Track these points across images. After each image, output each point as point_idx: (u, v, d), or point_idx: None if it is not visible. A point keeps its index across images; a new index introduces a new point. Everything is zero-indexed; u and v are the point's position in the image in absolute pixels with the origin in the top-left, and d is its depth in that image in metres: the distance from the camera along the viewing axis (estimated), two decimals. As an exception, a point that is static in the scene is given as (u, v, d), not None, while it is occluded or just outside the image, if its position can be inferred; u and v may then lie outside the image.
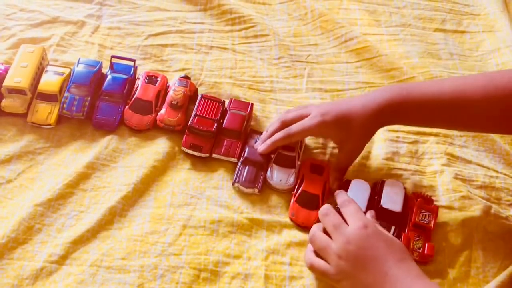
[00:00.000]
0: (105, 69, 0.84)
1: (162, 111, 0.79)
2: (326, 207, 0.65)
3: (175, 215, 0.70)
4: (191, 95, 0.82)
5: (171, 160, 0.76)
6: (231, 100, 0.82)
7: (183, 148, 0.77)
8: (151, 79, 0.82)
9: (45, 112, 0.78)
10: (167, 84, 0.83)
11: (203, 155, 0.76)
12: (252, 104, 0.82)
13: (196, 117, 0.78)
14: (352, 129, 0.71)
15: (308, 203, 0.72)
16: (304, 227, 0.70)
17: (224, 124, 0.79)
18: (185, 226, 0.69)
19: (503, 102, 0.66)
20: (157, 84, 0.81)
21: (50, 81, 0.79)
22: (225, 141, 0.77)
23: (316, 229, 0.65)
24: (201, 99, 0.81)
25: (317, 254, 0.63)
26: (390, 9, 1.05)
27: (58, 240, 0.66)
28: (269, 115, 0.85)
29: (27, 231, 0.66)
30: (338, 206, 0.66)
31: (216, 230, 0.69)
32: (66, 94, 0.79)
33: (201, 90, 0.86)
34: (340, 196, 0.68)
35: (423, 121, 0.74)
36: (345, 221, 0.62)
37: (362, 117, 0.70)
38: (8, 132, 0.77)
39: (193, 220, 0.70)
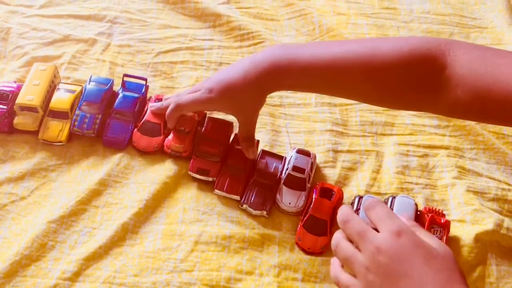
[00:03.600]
0: (117, 87, 0.85)
1: (170, 136, 0.78)
2: (345, 212, 0.53)
3: (186, 231, 0.70)
4: (200, 120, 0.81)
5: (182, 177, 0.77)
6: (236, 135, 0.80)
7: (190, 172, 0.76)
8: (160, 101, 0.81)
9: (56, 129, 0.78)
10: None
11: (210, 179, 0.75)
12: (258, 141, 0.79)
13: (203, 140, 0.77)
14: (238, 103, 0.71)
15: (316, 228, 0.71)
16: (311, 253, 0.70)
17: (228, 159, 0.77)
18: (197, 242, 0.69)
19: (379, 76, 0.63)
20: None
21: (61, 99, 0.80)
22: (229, 177, 0.75)
23: (339, 236, 0.54)
24: (208, 121, 0.80)
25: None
26: (398, 24, 1.06)
27: (71, 257, 0.66)
28: (279, 129, 0.85)
29: (40, 248, 0.67)
30: (364, 210, 0.55)
31: (227, 246, 0.69)
32: (77, 112, 0.80)
33: (211, 106, 0.87)
34: (366, 200, 0.61)
35: (306, 88, 0.72)
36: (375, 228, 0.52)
37: (245, 90, 0.69)
38: (21, 149, 0.78)
39: (205, 236, 0.70)
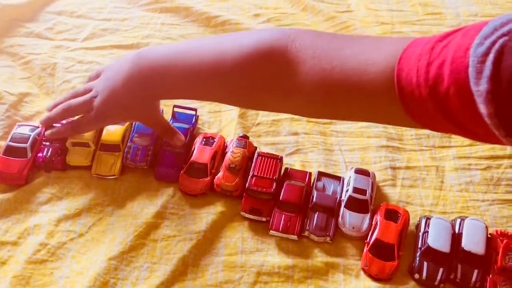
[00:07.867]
0: (165, 115, 0.84)
1: (220, 174, 0.76)
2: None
3: (247, 262, 0.69)
4: (250, 156, 0.79)
5: (238, 205, 0.75)
6: (286, 169, 0.78)
7: (242, 213, 0.73)
8: (207, 140, 0.80)
9: (109, 163, 0.78)
10: (225, 144, 0.81)
11: (263, 219, 0.72)
12: (310, 174, 0.77)
13: (254, 178, 0.74)
14: (129, 115, 0.74)
15: (383, 253, 0.68)
16: (378, 280, 0.67)
17: (281, 197, 0.73)
18: (259, 273, 0.67)
19: (227, 79, 0.60)
20: (213, 145, 0.79)
21: (112, 132, 0.80)
22: (283, 215, 0.72)
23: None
24: (257, 157, 0.77)
25: None
26: (444, 28, 1.02)
27: (134, 294, 0.66)
28: (332, 148, 0.83)
29: (103, 286, 0.66)
30: None
31: (291, 276, 0.67)
32: (129, 144, 0.80)
33: (259, 130, 0.85)
34: None
35: (182, 92, 0.69)
36: None
37: (127, 102, 0.70)
38: (76, 185, 0.77)
39: (267, 266, 0.68)
